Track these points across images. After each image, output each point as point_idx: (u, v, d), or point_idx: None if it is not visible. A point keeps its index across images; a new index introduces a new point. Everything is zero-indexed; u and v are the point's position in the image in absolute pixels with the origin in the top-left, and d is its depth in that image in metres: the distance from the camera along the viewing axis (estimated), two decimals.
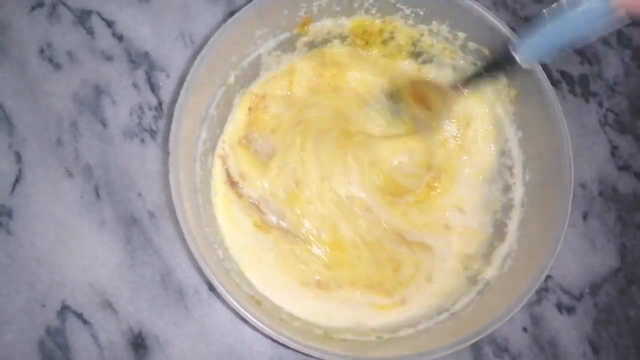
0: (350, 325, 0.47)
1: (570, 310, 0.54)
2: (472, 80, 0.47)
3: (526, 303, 0.41)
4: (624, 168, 0.59)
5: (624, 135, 0.60)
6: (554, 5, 0.37)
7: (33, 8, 0.54)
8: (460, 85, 0.48)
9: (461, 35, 0.49)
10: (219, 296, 0.49)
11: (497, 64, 0.44)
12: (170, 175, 0.40)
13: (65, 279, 0.49)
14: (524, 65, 0.41)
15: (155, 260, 0.50)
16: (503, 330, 0.52)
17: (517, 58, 0.41)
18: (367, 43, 0.53)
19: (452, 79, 0.52)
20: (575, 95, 0.60)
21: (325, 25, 0.50)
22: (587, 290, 0.55)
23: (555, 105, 0.44)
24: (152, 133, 0.53)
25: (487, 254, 0.48)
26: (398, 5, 0.49)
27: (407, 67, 0.54)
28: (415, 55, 0.53)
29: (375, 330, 0.47)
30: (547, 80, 0.45)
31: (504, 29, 0.45)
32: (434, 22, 0.49)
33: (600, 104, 0.60)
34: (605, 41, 0.63)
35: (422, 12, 0.49)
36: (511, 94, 0.49)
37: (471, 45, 0.49)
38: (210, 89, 0.46)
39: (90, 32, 0.54)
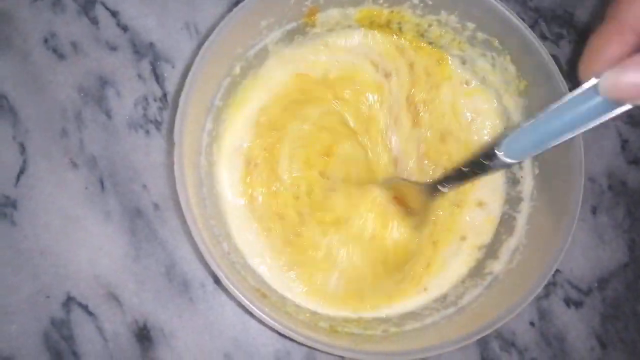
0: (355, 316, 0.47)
1: (578, 304, 0.53)
2: (452, 179, 0.45)
3: (534, 297, 0.40)
4: (633, 162, 0.58)
5: (634, 129, 0.59)
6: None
7: None
8: (439, 186, 0.46)
9: (470, 25, 0.48)
10: (224, 289, 0.49)
11: (479, 163, 0.40)
12: (175, 167, 0.40)
13: (70, 270, 0.48)
14: (508, 161, 0.38)
15: (160, 252, 0.50)
16: (510, 325, 0.52)
17: (501, 156, 0.37)
18: None
19: (432, 180, 0.49)
20: None
21: (332, 15, 0.49)
22: (595, 285, 0.54)
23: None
24: (157, 124, 0.52)
25: (495, 248, 0.48)
26: None
27: None
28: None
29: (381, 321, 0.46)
30: (559, 72, 0.44)
31: (515, 19, 0.44)
32: (442, 11, 0.49)
33: None
34: None
35: (430, 2, 0.48)
36: (521, 86, 0.48)
37: (480, 35, 0.49)
38: (215, 80, 0.45)
39: (94, 22, 0.54)
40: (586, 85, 0.31)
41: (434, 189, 0.46)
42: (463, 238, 0.50)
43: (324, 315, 0.46)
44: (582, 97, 0.31)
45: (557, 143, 0.34)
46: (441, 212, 0.50)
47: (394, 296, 0.48)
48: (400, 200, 0.48)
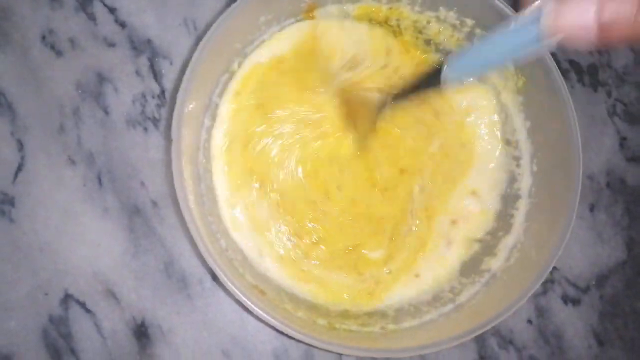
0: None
1: (576, 302, 0.53)
2: (400, 95, 0.45)
3: (531, 295, 0.40)
4: (632, 159, 0.58)
5: (633, 126, 0.59)
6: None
7: None
8: (389, 100, 0.46)
9: (469, 22, 0.48)
10: (222, 286, 0.49)
11: (427, 75, 0.41)
12: (173, 164, 0.39)
13: (68, 267, 0.48)
14: (443, 84, 0.39)
15: (159, 249, 0.50)
16: (508, 322, 0.52)
17: (445, 71, 0.38)
18: None
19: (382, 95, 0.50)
20: (583, 84, 0.59)
21: (331, 11, 0.49)
22: (593, 283, 0.54)
23: (565, 95, 0.43)
24: (155, 121, 0.52)
25: (493, 245, 0.48)
26: None
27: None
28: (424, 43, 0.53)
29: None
30: (557, 68, 0.44)
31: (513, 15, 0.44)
32: (441, 8, 0.48)
33: (609, 94, 0.59)
34: None
35: None
36: (519, 83, 0.48)
37: (479, 32, 0.49)
38: (213, 76, 0.45)
39: (92, 18, 0.54)
40: (528, 13, 0.30)
41: (384, 101, 0.47)
42: (454, 222, 0.51)
43: (322, 310, 0.46)
44: (524, 25, 0.31)
45: (494, 68, 0.37)
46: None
47: (387, 283, 0.49)
48: (351, 113, 0.50)
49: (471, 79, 0.43)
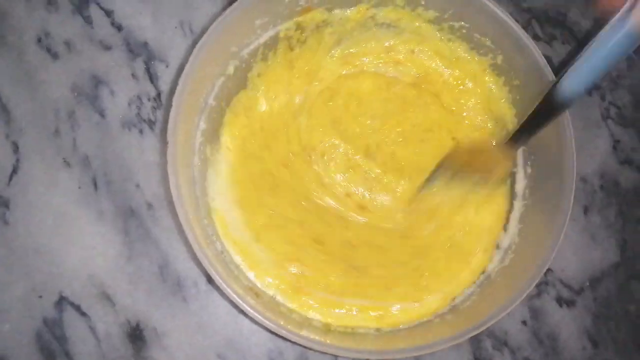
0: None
1: (570, 304, 0.54)
2: (519, 134, 0.44)
3: (526, 296, 0.41)
4: (625, 162, 0.59)
5: (626, 129, 0.59)
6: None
7: None
8: (509, 144, 0.45)
9: (464, 25, 0.49)
10: (217, 288, 0.49)
11: (542, 112, 0.41)
12: (169, 166, 0.40)
13: (63, 269, 0.48)
14: (566, 106, 0.40)
15: (154, 252, 0.50)
16: (502, 324, 0.52)
17: (564, 96, 0.39)
18: None
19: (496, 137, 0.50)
20: None
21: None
22: (587, 285, 0.54)
23: None
24: (151, 124, 0.52)
25: (488, 246, 0.48)
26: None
27: None
28: None
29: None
30: (551, 72, 0.44)
31: (508, 20, 0.45)
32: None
33: (602, 97, 0.60)
34: None
35: (423, 2, 0.48)
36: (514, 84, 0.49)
37: (474, 36, 0.49)
38: (209, 79, 0.45)
39: (88, 21, 0.54)
40: (614, 20, 0.33)
41: (507, 147, 0.46)
42: None
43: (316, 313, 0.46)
44: (618, 27, 0.33)
45: (604, 75, 0.37)
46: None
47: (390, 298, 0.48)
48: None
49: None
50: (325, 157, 0.51)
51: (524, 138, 0.44)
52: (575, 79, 0.38)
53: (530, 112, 0.42)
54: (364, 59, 0.53)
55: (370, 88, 0.52)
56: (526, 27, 0.60)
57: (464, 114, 0.52)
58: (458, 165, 0.48)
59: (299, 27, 0.48)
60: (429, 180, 0.50)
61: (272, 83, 0.50)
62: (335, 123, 0.51)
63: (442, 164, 0.50)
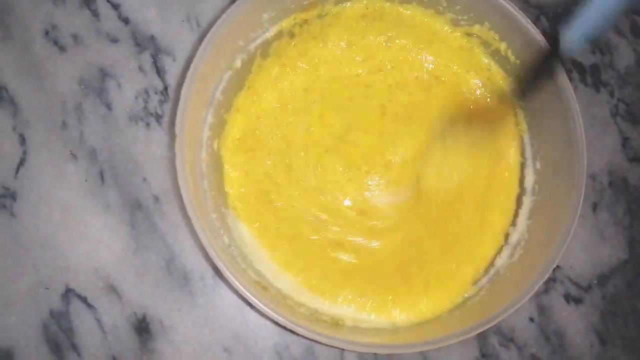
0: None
1: (577, 301, 0.53)
2: (524, 89, 0.44)
3: (533, 293, 0.40)
4: (634, 159, 0.58)
5: (635, 126, 0.59)
6: None
7: None
8: (514, 97, 0.46)
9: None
10: (224, 282, 0.49)
11: (544, 62, 0.41)
12: (177, 160, 0.39)
13: (70, 262, 0.48)
14: (569, 54, 0.38)
15: (160, 245, 0.50)
16: (509, 320, 0.52)
17: (566, 46, 0.37)
18: None
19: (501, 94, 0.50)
20: (586, 84, 0.59)
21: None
22: (595, 282, 0.54)
23: (569, 94, 0.43)
24: (158, 117, 0.52)
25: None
26: None
27: None
28: None
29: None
30: (562, 67, 0.44)
31: (518, 15, 0.45)
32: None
33: (611, 94, 0.59)
34: (617, 30, 0.62)
35: None
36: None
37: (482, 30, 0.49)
38: (216, 73, 0.45)
39: (95, 14, 0.54)
40: None
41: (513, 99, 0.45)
42: None
43: (324, 309, 0.46)
44: None
45: (611, 24, 0.36)
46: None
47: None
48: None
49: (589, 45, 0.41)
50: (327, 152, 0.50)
51: (525, 89, 0.44)
52: (579, 29, 0.36)
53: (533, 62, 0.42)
54: (368, 54, 0.53)
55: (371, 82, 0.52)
56: (535, 22, 0.59)
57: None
58: (461, 124, 0.49)
59: (305, 21, 0.48)
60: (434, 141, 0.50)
61: (272, 79, 0.50)
62: (337, 116, 0.51)
63: (448, 122, 0.50)
